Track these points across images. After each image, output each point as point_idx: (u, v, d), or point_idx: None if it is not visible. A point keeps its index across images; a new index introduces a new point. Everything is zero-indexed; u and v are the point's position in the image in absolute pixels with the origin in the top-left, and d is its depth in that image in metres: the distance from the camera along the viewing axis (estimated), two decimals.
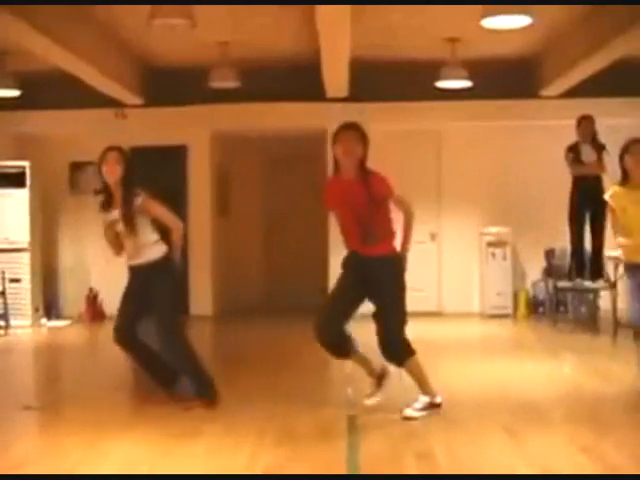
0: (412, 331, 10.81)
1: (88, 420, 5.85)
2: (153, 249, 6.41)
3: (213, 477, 4.52)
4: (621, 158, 6.53)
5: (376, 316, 6.05)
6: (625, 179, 6.51)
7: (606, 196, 6.61)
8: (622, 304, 9.97)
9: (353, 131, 5.99)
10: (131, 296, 6.42)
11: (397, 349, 6.05)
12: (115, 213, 6.34)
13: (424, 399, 5.95)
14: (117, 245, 6.45)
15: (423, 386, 6.02)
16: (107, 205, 6.42)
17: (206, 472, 4.60)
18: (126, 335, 6.35)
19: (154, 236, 6.44)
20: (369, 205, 5.88)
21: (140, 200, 6.33)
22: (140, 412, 6.18)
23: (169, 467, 4.71)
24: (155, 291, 6.29)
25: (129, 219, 6.28)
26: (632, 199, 6.38)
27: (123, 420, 5.88)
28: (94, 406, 6.39)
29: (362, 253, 5.97)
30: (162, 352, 6.38)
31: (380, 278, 6.00)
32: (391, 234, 6.10)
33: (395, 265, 6.12)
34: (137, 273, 6.40)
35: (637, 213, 6.36)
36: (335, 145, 5.97)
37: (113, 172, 6.33)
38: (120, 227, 6.33)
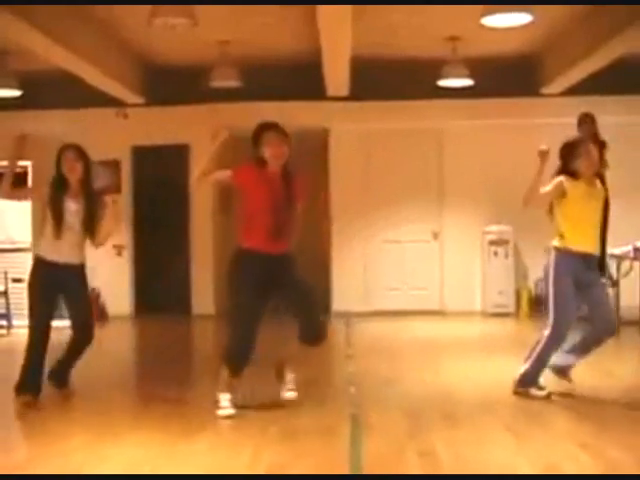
0: (414, 329, 10.88)
1: (90, 421, 5.85)
2: (83, 252, 6.58)
3: (214, 477, 4.51)
4: (569, 157, 6.40)
5: (297, 303, 6.10)
6: (574, 177, 6.33)
7: (560, 179, 6.37)
8: (625, 302, 9.99)
9: (278, 132, 6.04)
10: (50, 294, 6.56)
11: (324, 327, 6.23)
12: (72, 204, 6.37)
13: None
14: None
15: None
16: (63, 190, 6.42)
17: (209, 471, 4.60)
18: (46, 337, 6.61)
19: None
20: (288, 202, 5.94)
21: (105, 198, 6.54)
22: (142, 412, 6.18)
23: (172, 466, 4.70)
24: (74, 294, 6.62)
25: (91, 215, 6.41)
26: (589, 193, 6.29)
27: (125, 420, 5.88)
28: (96, 406, 6.40)
29: (269, 251, 5.91)
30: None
31: (288, 267, 6.03)
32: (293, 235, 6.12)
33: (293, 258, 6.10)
34: (57, 271, 6.43)
35: (590, 208, 6.29)
36: (262, 146, 6.01)
37: (74, 170, 6.41)
38: (71, 218, 6.35)
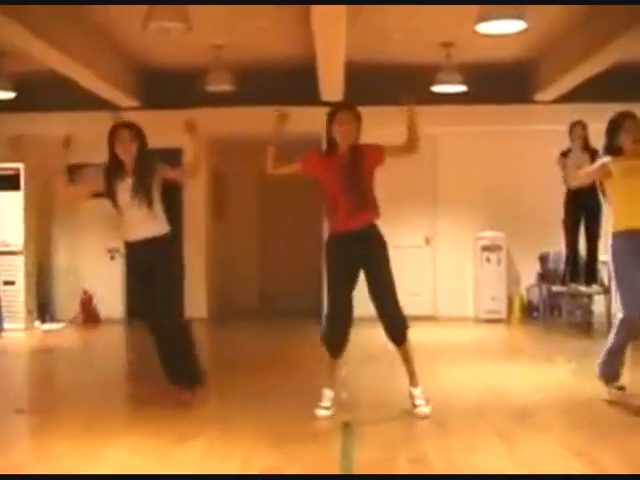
0: None
1: (82, 425, 5.83)
2: (163, 223, 6.38)
3: (212, 477, 4.49)
4: (612, 133, 6.24)
5: (378, 293, 6.07)
6: (618, 154, 6.17)
7: (605, 159, 6.19)
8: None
9: (352, 112, 6.09)
10: (141, 276, 6.35)
11: (404, 322, 6.12)
12: (127, 181, 6.24)
13: (419, 391, 6.03)
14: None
15: (415, 374, 6.11)
16: (116, 174, 6.29)
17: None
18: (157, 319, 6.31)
19: (162, 211, 6.39)
20: (360, 177, 5.98)
21: (159, 164, 6.34)
22: (135, 416, 6.16)
23: (164, 472, 4.69)
24: (159, 269, 6.27)
25: (147, 187, 6.21)
26: (632, 168, 6.09)
27: (117, 425, 5.86)
28: (88, 411, 6.37)
29: (350, 228, 5.91)
30: (165, 335, 6.36)
31: (375, 252, 6.00)
32: (377, 206, 6.16)
33: (382, 237, 6.06)
34: (141, 249, 6.30)
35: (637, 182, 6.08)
36: (333, 125, 6.03)
37: (128, 151, 6.28)
38: (126, 197, 6.21)
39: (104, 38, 10.14)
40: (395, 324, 6.11)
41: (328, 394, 6.02)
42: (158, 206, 6.34)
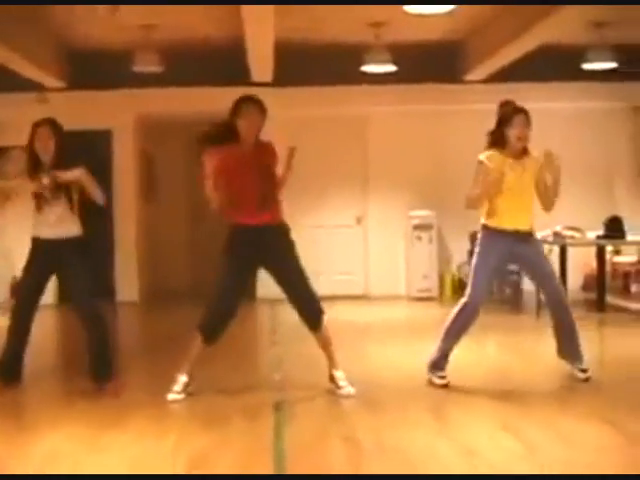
0: (339, 314, 10.91)
1: (10, 413, 5.75)
2: (76, 224, 6.44)
3: (210, 477, 4.43)
4: (501, 125, 6.32)
5: (289, 283, 6.07)
6: (502, 147, 6.27)
7: (481, 156, 6.30)
8: None
9: (256, 105, 6.10)
10: (38, 270, 6.36)
11: (319, 308, 6.15)
12: (44, 179, 6.25)
13: (341, 373, 6.09)
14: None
15: (335, 357, 6.18)
16: (34, 171, 6.30)
17: (131, 461, 4.56)
18: (29, 315, 6.33)
19: (76, 213, 6.44)
20: (267, 170, 6.00)
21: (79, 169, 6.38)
22: (64, 405, 6.06)
23: (93, 459, 4.65)
24: (71, 271, 6.31)
25: (62, 182, 6.27)
26: (513, 167, 6.19)
27: (48, 413, 5.77)
28: (17, 399, 6.28)
29: (256, 223, 5.95)
30: (89, 332, 6.31)
31: (282, 245, 6.08)
32: (280, 202, 6.18)
33: (289, 232, 6.17)
34: (51, 248, 6.32)
35: (518, 180, 6.17)
36: (238, 118, 6.05)
37: (47, 149, 6.29)
38: (46, 192, 6.23)
39: (28, 17, 9.92)
40: (310, 309, 6.13)
41: (183, 379, 6.02)
42: (75, 207, 6.45)
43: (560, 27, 9.25)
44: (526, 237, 6.24)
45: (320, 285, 12.42)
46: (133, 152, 12.73)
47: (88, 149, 12.44)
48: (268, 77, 11.59)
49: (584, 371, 6.24)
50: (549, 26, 9.00)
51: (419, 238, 12.30)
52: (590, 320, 9.55)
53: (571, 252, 10.35)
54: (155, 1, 8.50)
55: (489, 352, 7.91)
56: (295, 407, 5.73)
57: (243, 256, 6.00)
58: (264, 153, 6.05)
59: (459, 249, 12.28)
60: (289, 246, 6.12)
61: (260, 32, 9.16)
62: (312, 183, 12.44)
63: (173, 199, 13.92)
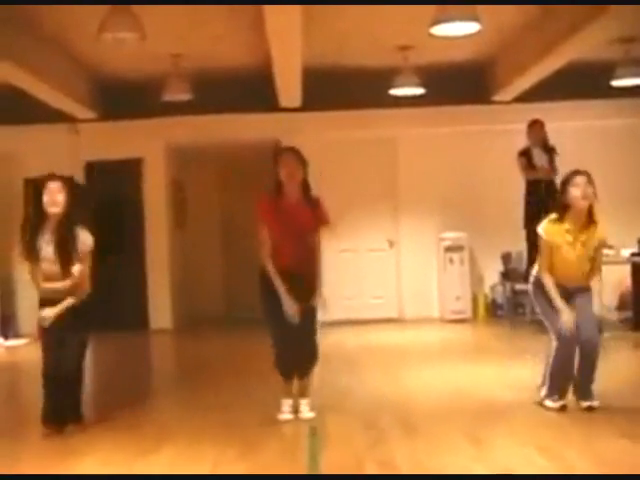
0: (373, 338, 10.89)
1: (48, 445, 5.76)
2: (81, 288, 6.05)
3: (210, 477, 4.44)
4: (563, 191, 6.11)
5: (299, 329, 6.08)
6: (562, 215, 6.08)
7: (539, 229, 6.13)
8: None
9: (295, 154, 6.14)
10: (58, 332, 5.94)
11: (315, 357, 6.22)
12: (47, 240, 5.94)
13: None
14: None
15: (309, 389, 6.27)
16: (37, 230, 5.98)
17: None
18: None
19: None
20: (311, 226, 6.13)
21: (84, 247, 5.97)
22: (100, 433, 6.08)
23: None
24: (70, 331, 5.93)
25: (65, 255, 5.91)
26: (568, 238, 6.05)
27: (85, 439, 5.80)
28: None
29: (293, 271, 6.02)
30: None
31: (307, 289, 6.11)
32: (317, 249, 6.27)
33: (318, 281, 6.21)
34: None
35: (573, 254, 6.06)
36: (279, 167, 6.10)
37: (55, 203, 5.93)
38: (49, 252, 5.92)
39: (59, 49, 10.05)
40: (308, 360, 6.21)
41: (287, 401, 6.14)
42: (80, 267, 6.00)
43: (587, 44, 9.23)
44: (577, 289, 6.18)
45: (353, 309, 12.56)
46: (164, 180, 12.82)
47: (120, 178, 12.65)
48: (297, 102, 11.65)
49: (590, 407, 6.11)
50: (576, 43, 8.99)
51: (451, 260, 12.26)
52: (626, 340, 9.45)
53: (605, 270, 10.21)
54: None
55: (522, 374, 7.83)
56: (330, 432, 5.70)
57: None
58: (308, 210, 6.14)
59: (491, 270, 12.22)
60: (313, 293, 6.16)
61: (288, 57, 9.22)
62: (344, 207, 12.42)
63: (205, 226, 13.98)
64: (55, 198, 5.91)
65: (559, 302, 6.02)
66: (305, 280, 6.09)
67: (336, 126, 12.27)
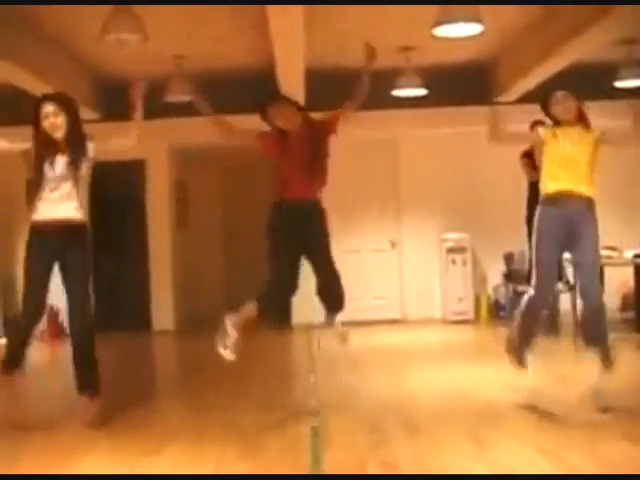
0: (375, 339, 10.89)
1: (49, 444, 5.76)
2: (80, 210, 5.96)
3: (211, 477, 4.45)
4: (544, 109, 6.56)
5: (319, 262, 6.38)
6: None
7: (540, 130, 6.53)
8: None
9: (288, 102, 6.44)
10: (46, 266, 5.94)
11: (342, 289, 6.41)
12: (56, 158, 5.85)
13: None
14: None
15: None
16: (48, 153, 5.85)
17: None
18: (39, 318, 6.05)
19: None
20: (315, 149, 6.35)
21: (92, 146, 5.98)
22: (101, 433, 6.08)
23: None
24: (73, 260, 5.94)
25: (77, 162, 5.88)
26: (565, 132, 6.36)
27: (85, 439, 5.79)
28: (55, 429, 6.30)
29: (304, 196, 6.17)
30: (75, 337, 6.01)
31: (317, 223, 6.36)
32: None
33: (322, 207, 6.43)
34: (51, 234, 5.88)
35: (571, 148, 6.32)
36: (272, 118, 6.37)
37: (57, 126, 5.84)
38: (51, 173, 5.81)
39: (61, 50, 10.06)
40: (338, 290, 6.39)
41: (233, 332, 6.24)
42: (83, 192, 5.98)
43: (590, 46, 9.22)
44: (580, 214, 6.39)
45: (356, 310, 12.54)
46: (167, 181, 12.83)
47: (122, 179, 12.66)
48: (300, 103, 11.62)
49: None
50: (579, 45, 8.99)
51: (453, 261, 12.26)
52: (629, 341, 9.44)
53: (608, 272, 10.23)
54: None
55: (524, 376, 7.82)
56: (333, 433, 5.70)
57: (289, 232, 6.17)
58: (313, 132, 6.34)
59: (494, 271, 12.22)
60: (325, 226, 6.41)
61: (290, 58, 9.22)
62: (345, 208, 12.46)
63: (207, 227, 13.99)
64: (55, 121, 5.75)
65: None
66: (313, 205, 6.25)
67: (338, 127, 12.23)
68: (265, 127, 6.50)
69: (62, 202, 5.88)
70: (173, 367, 10.25)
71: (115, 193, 12.65)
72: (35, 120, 5.93)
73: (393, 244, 12.75)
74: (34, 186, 5.85)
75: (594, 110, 12.14)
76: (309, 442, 5.48)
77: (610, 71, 10.92)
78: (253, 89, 11.76)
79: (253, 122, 12.28)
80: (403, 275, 12.73)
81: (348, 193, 12.42)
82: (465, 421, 5.94)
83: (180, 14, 8.76)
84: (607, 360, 6.19)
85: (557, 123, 6.42)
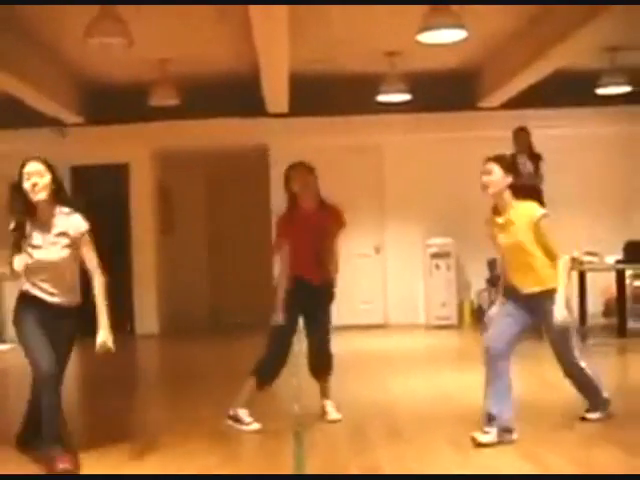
0: (358, 343, 10.90)
1: (30, 450, 5.73)
2: (77, 291, 5.60)
3: (211, 477, 4.44)
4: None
5: (314, 333, 6.37)
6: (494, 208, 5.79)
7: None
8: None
9: (304, 166, 6.45)
10: (44, 335, 5.26)
11: (330, 362, 6.43)
12: (43, 237, 5.31)
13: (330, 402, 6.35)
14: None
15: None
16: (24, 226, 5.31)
17: None
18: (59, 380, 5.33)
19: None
20: (328, 233, 6.37)
21: (84, 230, 5.47)
22: (89, 439, 6.06)
23: None
24: (62, 336, 5.42)
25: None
26: (499, 221, 5.73)
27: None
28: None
29: (311, 280, 6.23)
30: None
31: (323, 300, 6.39)
32: (334, 260, 6.45)
33: (333, 289, 6.48)
34: (49, 311, 5.35)
35: (506, 240, 5.67)
36: (291, 182, 6.38)
37: (41, 187, 5.23)
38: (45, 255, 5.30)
39: (46, 54, 10.02)
40: (322, 362, 6.39)
41: (245, 411, 6.11)
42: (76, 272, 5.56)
43: (574, 52, 9.28)
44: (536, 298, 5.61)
45: (339, 315, 12.47)
46: (150, 185, 12.81)
47: (106, 183, 12.63)
48: (284, 108, 11.65)
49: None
50: (563, 51, 9.03)
51: (437, 266, 12.28)
52: (611, 346, 9.49)
53: (590, 277, 10.30)
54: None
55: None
56: (316, 438, 5.71)
57: (298, 307, 6.24)
58: (324, 216, 6.41)
59: (478, 276, 12.24)
60: (329, 302, 6.44)
61: (275, 63, 9.22)
62: None
63: (191, 231, 13.95)
64: (36, 182, 5.21)
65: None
66: (323, 286, 6.31)
67: (323, 132, 12.27)
68: None
69: None
70: (157, 371, 10.22)
71: (98, 197, 12.60)
72: None
73: (377, 249, 12.76)
74: None
75: (577, 116, 12.28)
76: (292, 447, 5.48)
77: (593, 78, 10.98)
78: (237, 94, 11.80)
79: (235, 125, 12.38)
80: (387, 280, 12.74)
81: (332, 198, 12.39)
82: (448, 426, 5.95)
83: (165, 19, 8.75)
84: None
85: None
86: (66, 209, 5.42)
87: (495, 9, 8.78)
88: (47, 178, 5.28)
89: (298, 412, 6.59)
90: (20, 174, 5.29)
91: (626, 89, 11.00)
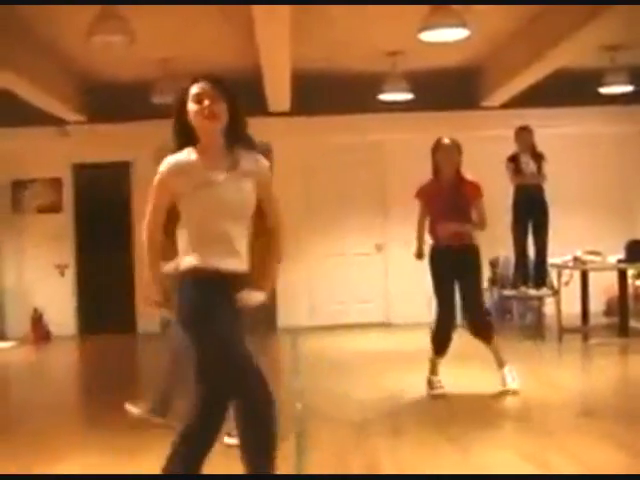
0: (361, 343, 10.91)
1: (35, 444, 5.76)
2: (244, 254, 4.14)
3: (211, 477, 4.44)
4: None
5: (466, 296, 7.19)
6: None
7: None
8: (565, 310, 10.12)
9: (452, 143, 7.31)
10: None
11: (487, 321, 7.31)
12: (217, 174, 3.94)
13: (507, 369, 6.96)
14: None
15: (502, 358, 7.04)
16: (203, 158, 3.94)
17: None
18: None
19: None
20: (461, 203, 7.09)
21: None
22: (86, 434, 6.09)
23: None
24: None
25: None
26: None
27: (63, 443, 5.78)
28: (39, 429, 6.30)
29: (453, 243, 7.03)
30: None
31: (472, 262, 7.14)
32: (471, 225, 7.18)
33: (479, 251, 7.20)
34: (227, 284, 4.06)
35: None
36: (438, 153, 7.33)
37: (215, 115, 3.96)
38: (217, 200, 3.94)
39: (49, 52, 10.03)
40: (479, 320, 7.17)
41: (436, 379, 7.05)
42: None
43: (575, 51, 9.28)
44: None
45: (341, 313, 12.56)
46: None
47: (108, 181, 12.64)
48: (286, 106, 11.66)
49: None
50: (564, 50, 9.04)
51: None
52: (613, 346, 9.49)
53: (592, 277, 10.30)
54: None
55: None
56: (318, 436, 5.71)
57: (445, 270, 7.18)
58: (462, 189, 7.14)
59: None
60: (477, 264, 7.17)
61: (276, 62, 9.23)
62: (331, 211, 12.49)
63: None
64: (212, 108, 3.95)
65: None
66: (463, 251, 7.02)
67: (325, 131, 12.28)
68: None
69: None
70: (157, 371, 10.21)
71: (101, 195, 12.61)
72: None
73: (379, 248, 12.76)
74: None
75: (579, 116, 12.28)
76: (293, 445, 5.48)
77: (595, 77, 10.98)
78: (239, 92, 11.78)
79: None
80: (388, 279, 12.74)
81: (334, 196, 12.44)
82: (449, 425, 5.96)
83: (167, 17, 8.76)
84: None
85: None
86: None
87: (497, 9, 8.79)
88: None
89: (300, 410, 6.59)
90: None
91: (628, 88, 11.00)
